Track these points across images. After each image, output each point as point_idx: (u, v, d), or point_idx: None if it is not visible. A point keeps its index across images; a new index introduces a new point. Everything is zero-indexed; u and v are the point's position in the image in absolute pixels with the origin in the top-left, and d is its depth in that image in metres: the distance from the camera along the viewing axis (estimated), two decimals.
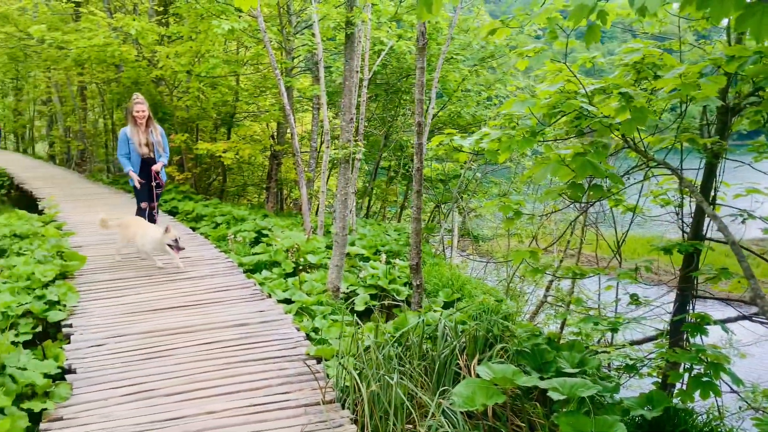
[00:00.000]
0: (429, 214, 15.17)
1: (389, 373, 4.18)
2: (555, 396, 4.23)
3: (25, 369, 4.43)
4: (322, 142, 12.18)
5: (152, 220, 8.56)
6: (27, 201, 15.07)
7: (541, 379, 4.56)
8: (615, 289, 6.27)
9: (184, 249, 7.71)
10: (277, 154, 14.50)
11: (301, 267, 8.42)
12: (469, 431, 4.04)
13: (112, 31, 13.23)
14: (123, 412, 4.27)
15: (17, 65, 24.49)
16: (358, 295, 7.50)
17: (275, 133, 15.15)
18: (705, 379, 4.62)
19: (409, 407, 4.00)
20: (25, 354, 4.73)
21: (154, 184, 8.51)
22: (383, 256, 8.64)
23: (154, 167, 8.40)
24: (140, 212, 8.52)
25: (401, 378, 4.22)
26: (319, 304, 6.86)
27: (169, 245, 7.52)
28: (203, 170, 15.03)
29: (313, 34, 10.99)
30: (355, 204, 11.97)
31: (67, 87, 21.68)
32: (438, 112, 13.52)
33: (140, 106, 8.22)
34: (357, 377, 4.26)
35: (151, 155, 8.43)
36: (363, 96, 10.48)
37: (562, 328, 5.44)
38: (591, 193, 4.57)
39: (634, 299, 5.99)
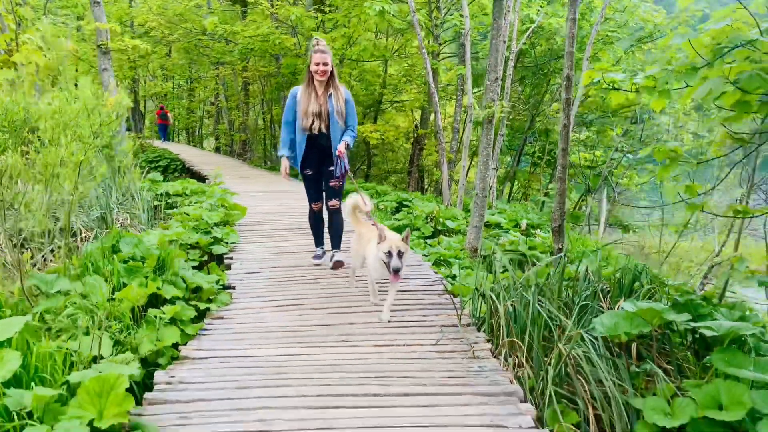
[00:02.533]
0: (575, 204, 14.60)
1: (526, 291, 4.15)
2: (708, 333, 3.93)
3: (193, 275, 4.97)
4: (464, 128, 12.24)
5: (319, 231, 6.20)
6: (197, 179, 16.77)
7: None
8: None
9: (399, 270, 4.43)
10: (419, 139, 14.82)
11: (439, 231, 8.55)
12: (611, 358, 3.87)
13: (274, 21, 14.33)
14: (274, 317, 4.64)
15: (190, 67, 27.44)
16: (496, 255, 7.46)
17: (417, 123, 15.48)
18: None
19: (548, 321, 3.93)
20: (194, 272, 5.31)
21: (333, 174, 5.62)
22: (524, 223, 8.50)
23: (339, 148, 5.44)
24: (311, 215, 6.09)
25: (539, 302, 4.16)
26: (456, 258, 6.93)
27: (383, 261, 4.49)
28: (350, 156, 15.72)
29: (461, 15, 11.12)
30: (495, 182, 11.87)
31: (233, 81, 23.79)
32: (586, 94, 13.01)
33: (322, 56, 5.37)
34: (494, 297, 4.27)
35: (323, 130, 5.52)
36: (509, 70, 10.38)
37: (723, 290, 4.99)
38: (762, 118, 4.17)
39: None
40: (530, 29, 11.46)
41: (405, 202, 10.45)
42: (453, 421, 3.10)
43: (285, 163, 5.82)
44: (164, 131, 27.44)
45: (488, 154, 7.42)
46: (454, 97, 15.11)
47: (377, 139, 13.37)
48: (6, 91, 6.13)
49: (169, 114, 28.25)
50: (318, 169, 5.75)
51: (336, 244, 5.96)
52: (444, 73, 15.23)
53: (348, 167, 5.63)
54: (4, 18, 9.49)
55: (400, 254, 4.35)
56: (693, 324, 4.08)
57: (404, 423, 3.05)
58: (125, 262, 4.74)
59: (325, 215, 6.06)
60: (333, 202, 5.82)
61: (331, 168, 5.65)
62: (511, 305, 4.12)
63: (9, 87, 6.32)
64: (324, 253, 6.22)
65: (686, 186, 4.33)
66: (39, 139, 4.69)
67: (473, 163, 15.55)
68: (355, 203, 5.16)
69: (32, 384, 2.90)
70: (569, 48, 6.43)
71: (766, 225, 5.80)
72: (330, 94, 5.52)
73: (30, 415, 2.68)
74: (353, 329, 4.40)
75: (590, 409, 3.63)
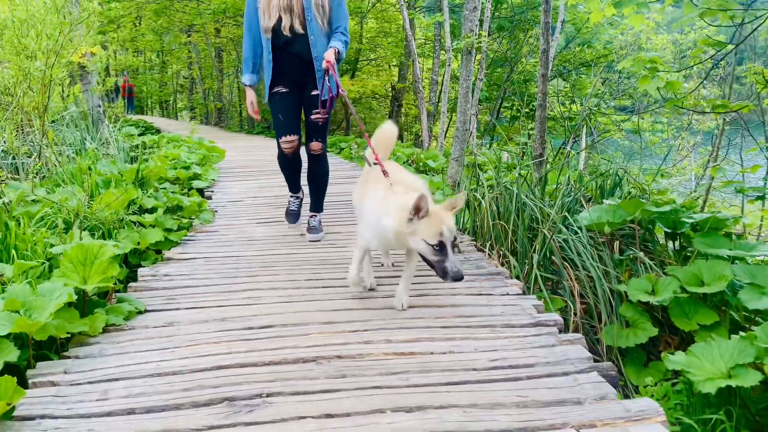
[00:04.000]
0: (553, 155, 14.67)
1: (510, 185, 4.16)
2: (688, 220, 4.00)
3: (173, 193, 4.90)
4: (443, 82, 12.18)
5: (296, 184, 4.51)
6: None
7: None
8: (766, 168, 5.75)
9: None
10: (398, 96, 14.73)
11: (421, 171, 8.54)
12: (594, 246, 3.91)
13: None
14: (258, 229, 4.61)
15: (162, 38, 26.83)
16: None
17: (395, 80, 15.37)
18: None
19: (533, 212, 3.96)
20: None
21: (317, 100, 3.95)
22: (505, 155, 8.53)
23: (326, 56, 3.76)
24: (281, 159, 4.27)
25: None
26: (438, 189, 6.93)
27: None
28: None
29: None
30: (476, 132, 11.87)
31: (206, 49, 23.31)
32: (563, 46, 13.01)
33: None
34: (477, 195, 4.28)
35: (299, 29, 3.89)
36: (486, 12, 10.31)
37: (705, 198, 5.08)
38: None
39: None
40: None
41: None
42: (440, 292, 3.11)
43: (250, 96, 4.08)
44: (131, 103, 26.84)
45: (468, 86, 7.39)
46: (431, 54, 15.02)
47: (355, 94, 13.23)
48: None
49: (133, 87, 27.66)
50: (294, 88, 4.02)
51: (317, 204, 4.38)
52: (421, 30, 15.09)
53: (341, 86, 3.72)
54: None
55: (454, 244, 2.65)
56: (674, 216, 4.14)
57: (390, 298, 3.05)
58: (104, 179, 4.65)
59: (304, 164, 4.36)
60: (315, 145, 4.09)
61: (315, 92, 3.97)
62: (496, 196, 4.13)
63: None
64: (301, 200, 4.62)
65: (668, 82, 4.35)
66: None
67: (453, 122, 15.52)
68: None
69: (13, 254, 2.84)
70: None
71: None
72: None
73: None
74: (339, 235, 4.39)
75: (577, 296, 3.67)
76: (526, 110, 14.84)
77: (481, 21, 10.21)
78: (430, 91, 13.49)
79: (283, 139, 4.08)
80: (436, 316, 2.76)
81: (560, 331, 2.73)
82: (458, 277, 2.48)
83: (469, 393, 2.05)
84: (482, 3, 9.68)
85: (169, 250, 3.98)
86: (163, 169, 5.21)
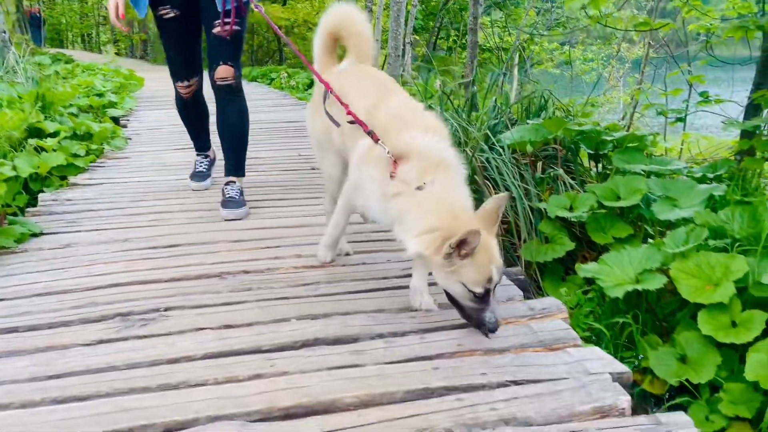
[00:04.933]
0: (486, 88, 14.64)
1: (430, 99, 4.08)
2: (608, 138, 4.05)
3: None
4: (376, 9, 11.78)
5: (200, 126, 3.51)
6: None
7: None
8: (687, 93, 5.87)
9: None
10: None
11: None
12: (516, 165, 3.91)
13: None
14: (175, 155, 4.38)
15: None
16: None
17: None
18: None
19: (456, 130, 3.91)
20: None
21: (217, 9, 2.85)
22: (438, 83, 8.42)
23: None
24: (179, 104, 3.34)
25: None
26: None
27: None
28: (260, 43, 14.96)
29: None
30: (411, 64, 11.65)
31: None
32: None
33: None
34: None
35: None
36: None
37: (630, 119, 5.16)
38: None
39: (704, 95, 5.60)
40: None
41: None
42: None
43: (113, 5, 2.73)
44: (38, 33, 24.73)
45: (400, 9, 7.16)
46: None
47: (286, 23, 12.70)
48: None
49: (41, 15, 25.48)
50: (186, 6, 2.94)
51: (235, 165, 3.15)
52: None
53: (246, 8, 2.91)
54: None
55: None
56: (595, 136, 4.17)
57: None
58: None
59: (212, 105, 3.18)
60: (223, 70, 2.91)
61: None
62: None
63: None
64: (212, 161, 3.60)
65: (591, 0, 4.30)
66: None
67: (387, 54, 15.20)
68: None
69: None
70: None
71: None
72: None
73: None
74: (262, 161, 4.23)
75: None
76: (463, 41, 14.65)
77: None
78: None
79: (179, 84, 3.15)
80: (355, 231, 2.69)
81: None
82: (495, 329, 1.72)
83: (377, 299, 2.01)
84: None
85: (76, 176, 3.74)
86: (70, 94, 4.84)
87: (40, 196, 3.27)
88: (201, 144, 3.55)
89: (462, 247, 1.63)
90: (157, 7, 2.92)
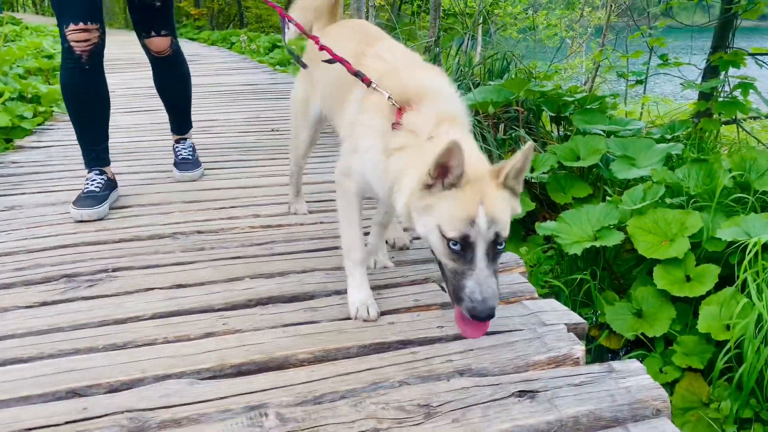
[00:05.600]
0: (454, 56, 14.53)
1: None
2: (569, 98, 4.05)
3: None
4: None
5: (98, 137, 2.54)
6: None
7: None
8: (648, 56, 5.89)
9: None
10: None
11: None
12: (479, 127, 3.89)
13: None
14: (126, 118, 4.24)
15: None
16: None
17: None
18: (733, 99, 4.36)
19: None
20: None
21: None
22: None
23: None
24: (67, 79, 2.38)
25: None
26: None
27: None
28: (220, 7, 14.51)
29: None
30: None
31: None
32: None
33: None
34: None
35: None
36: None
37: (591, 86, 5.18)
38: None
39: (664, 58, 5.64)
40: None
41: (278, 43, 9.87)
42: (316, 169, 2.98)
43: None
44: None
45: None
46: None
47: None
48: None
49: None
50: None
51: (182, 121, 2.93)
52: None
53: None
54: None
55: (497, 250, 1.33)
56: (557, 98, 4.17)
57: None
58: None
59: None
60: (159, 42, 2.63)
61: None
62: None
63: None
64: (111, 182, 2.50)
65: None
66: None
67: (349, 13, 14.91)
68: None
69: None
70: None
71: None
72: None
73: None
74: (219, 123, 4.12)
75: None
76: (427, 6, 14.45)
77: None
78: None
79: (72, 28, 2.24)
80: (312, 191, 2.63)
81: None
82: (483, 315, 1.25)
83: (335, 257, 1.97)
84: None
85: (23, 138, 3.57)
86: (17, 55, 4.61)
87: None
88: (98, 151, 2.52)
89: (444, 174, 1.29)
90: None
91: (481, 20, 10.84)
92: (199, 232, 2.18)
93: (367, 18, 8.87)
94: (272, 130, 3.90)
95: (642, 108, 6.25)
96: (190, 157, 2.88)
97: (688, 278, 2.51)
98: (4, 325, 1.57)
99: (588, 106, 3.99)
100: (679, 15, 6.14)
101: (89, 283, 1.79)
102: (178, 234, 2.15)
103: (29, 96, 4.24)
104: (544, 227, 2.84)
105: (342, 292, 1.74)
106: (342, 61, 1.65)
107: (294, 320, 1.60)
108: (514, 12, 11.00)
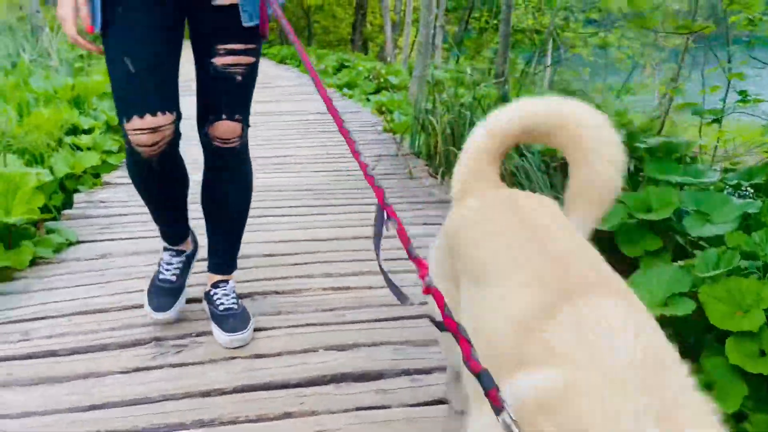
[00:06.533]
0: (520, 71, 14.41)
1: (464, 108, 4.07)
2: (641, 145, 3.98)
3: None
4: None
5: (178, 221, 2.15)
6: None
7: None
8: (725, 90, 5.70)
9: None
10: (362, 3, 14.08)
11: (382, 89, 8.30)
12: (546, 172, 3.88)
13: None
14: None
15: None
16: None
17: None
18: None
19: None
20: None
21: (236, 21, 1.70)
22: (468, 75, 8.32)
23: None
24: (135, 169, 1.94)
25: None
26: (398, 108, 6.76)
27: None
28: (287, 18, 14.88)
29: None
30: (442, 46, 11.48)
31: None
32: None
33: None
34: (432, 119, 4.18)
35: None
36: None
37: (664, 119, 5.04)
38: None
39: (743, 95, 5.44)
40: None
41: (346, 63, 10.06)
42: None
43: (72, 11, 1.58)
44: None
45: None
46: None
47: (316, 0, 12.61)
48: None
49: None
50: (163, 5, 1.64)
51: (230, 256, 2.15)
52: None
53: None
54: None
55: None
56: (629, 141, 4.10)
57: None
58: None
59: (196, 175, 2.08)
60: (226, 128, 1.90)
61: (218, 1, 1.69)
62: (449, 121, 4.04)
63: None
64: (192, 256, 2.23)
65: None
66: None
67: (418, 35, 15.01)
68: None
69: None
70: None
71: None
72: None
73: None
74: (293, 160, 4.27)
75: None
76: (495, 22, 14.39)
77: None
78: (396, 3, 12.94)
79: (135, 122, 1.66)
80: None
81: None
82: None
83: (402, 329, 2.04)
84: None
85: (109, 173, 3.81)
86: (102, 83, 4.89)
87: (75, 196, 3.35)
88: (173, 231, 2.15)
89: None
90: (110, 8, 1.60)
91: (550, 41, 10.73)
92: (276, 292, 2.29)
93: (433, 38, 8.93)
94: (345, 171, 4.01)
95: (717, 142, 6.04)
96: (235, 306, 2.03)
97: (762, 353, 2.43)
98: (102, 391, 1.71)
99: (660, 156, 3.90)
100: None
101: (176, 348, 1.92)
102: (255, 295, 2.27)
103: (114, 126, 4.50)
104: None
105: (411, 372, 1.80)
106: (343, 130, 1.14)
107: (366, 403, 1.67)
108: (586, 34, 10.82)
